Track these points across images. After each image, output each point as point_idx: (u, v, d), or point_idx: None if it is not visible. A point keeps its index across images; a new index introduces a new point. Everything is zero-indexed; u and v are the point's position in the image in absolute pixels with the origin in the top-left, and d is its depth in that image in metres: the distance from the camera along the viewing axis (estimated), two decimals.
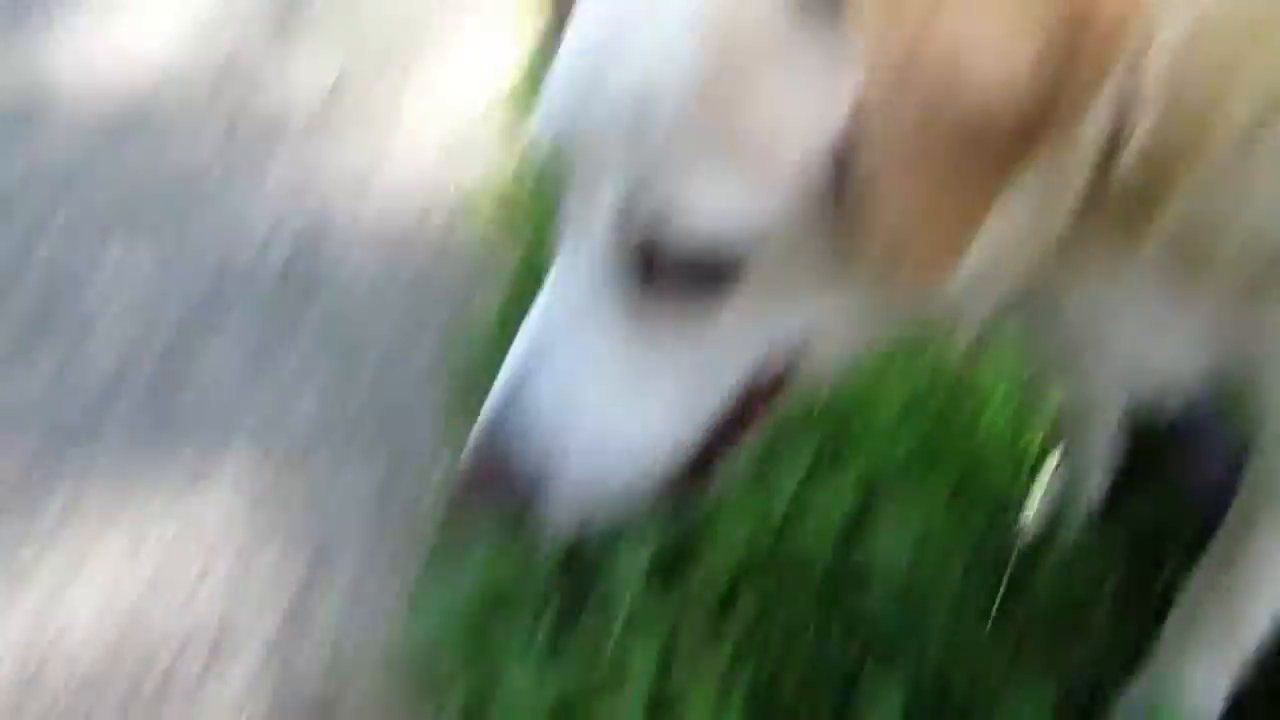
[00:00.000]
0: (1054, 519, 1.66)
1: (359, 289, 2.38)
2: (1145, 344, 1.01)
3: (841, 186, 0.75)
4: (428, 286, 2.38)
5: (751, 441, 0.94)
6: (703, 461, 0.90)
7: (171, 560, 1.83)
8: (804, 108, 0.74)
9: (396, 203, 2.64)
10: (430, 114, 2.95)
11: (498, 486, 0.85)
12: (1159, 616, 1.32)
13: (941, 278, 0.76)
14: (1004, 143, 0.71)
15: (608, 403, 0.84)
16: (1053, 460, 1.72)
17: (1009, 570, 1.57)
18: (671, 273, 0.80)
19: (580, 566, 1.56)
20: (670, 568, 1.55)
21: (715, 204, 0.76)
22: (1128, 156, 0.81)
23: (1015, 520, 1.68)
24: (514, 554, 1.58)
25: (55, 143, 2.86)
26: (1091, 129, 0.79)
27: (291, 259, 2.46)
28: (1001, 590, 1.55)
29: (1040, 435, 1.77)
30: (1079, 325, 1.02)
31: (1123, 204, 0.87)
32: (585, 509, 0.86)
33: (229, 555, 1.83)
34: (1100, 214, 0.87)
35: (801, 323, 0.84)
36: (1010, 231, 0.81)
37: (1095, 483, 1.66)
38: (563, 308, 0.85)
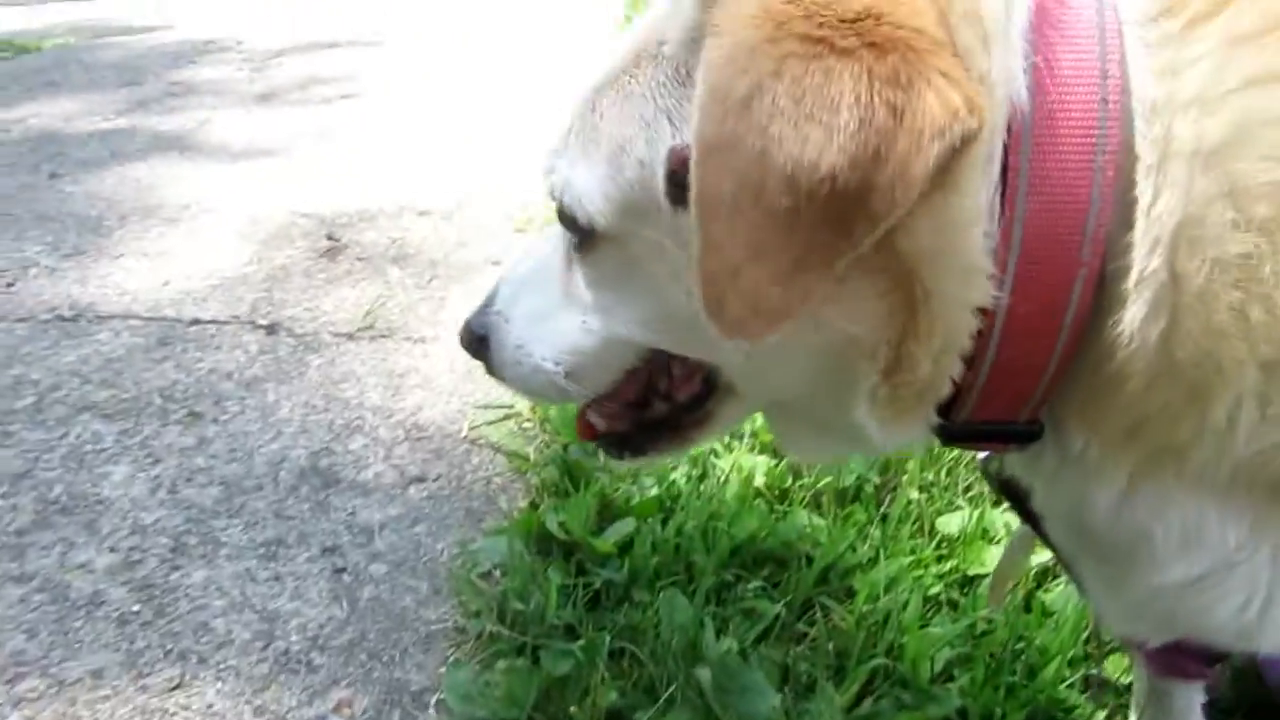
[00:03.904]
0: None
1: (378, 494, 2.26)
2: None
3: (686, 210, 0.85)
4: (448, 497, 2.26)
5: (666, 446, 1.16)
6: (611, 405, 1.15)
7: None
8: (642, 136, 0.92)
9: (426, 412, 2.57)
10: None
11: (470, 345, 1.19)
12: None
13: (754, 334, 0.83)
14: (814, 229, 0.77)
15: (538, 308, 1.12)
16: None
17: None
18: (568, 228, 1.03)
19: None
20: None
21: (579, 184, 0.97)
22: (1121, 339, 0.81)
23: None
24: None
25: (100, 345, 2.87)
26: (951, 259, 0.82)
27: (314, 459, 2.37)
28: None
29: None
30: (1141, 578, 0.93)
31: (1131, 397, 0.83)
32: (516, 371, 1.14)
33: None
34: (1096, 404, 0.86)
35: (665, 318, 0.99)
36: (855, 328, 0.87)
37: None
38: (537, 242, 1.17)
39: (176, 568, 2.05)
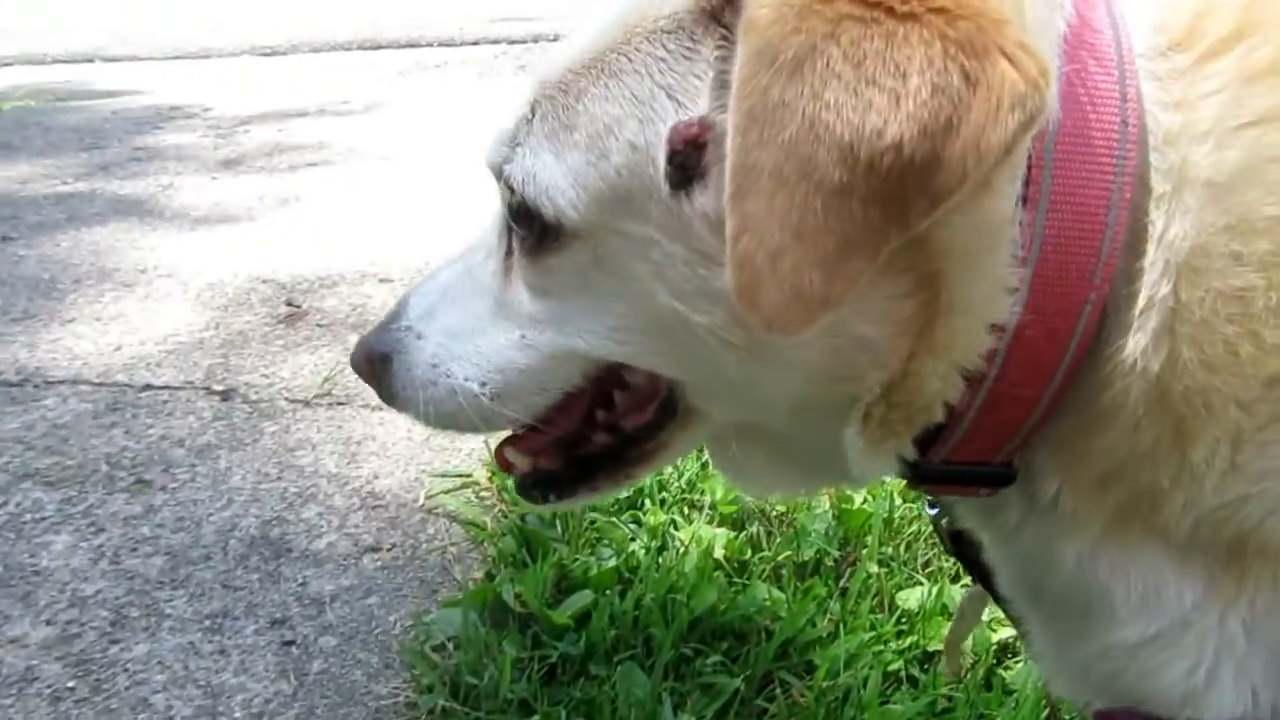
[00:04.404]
0: None
1: (330, 565, 2.21)
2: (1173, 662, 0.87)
3: (689, 196, 0.83)
4: (402, 567, 2.21)
5: (602, 485, 1.07)
6: (536, 439, 1.07)
7: None
8: (634, 115, 0.86)
9: (382, 480, 2.53)
10: None
11: (362, 366, 1.11)
12: None
13: (792, 325, 0.75)
14: (866, 208, 0.71)
15: (461, 323, 1.04)
16: None
17: None
18: (521, 227, 0.95)
19: None
20: None
21: (545, 174, 0.90)
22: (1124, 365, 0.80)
23: None
24: None
25: (46, 411, 2.81)
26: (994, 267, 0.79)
27: (265, 528, 2.31)
28: None
29: None
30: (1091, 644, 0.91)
31: (1122, 449, 0.82)
32: (429, 394, 1.04)
33: None
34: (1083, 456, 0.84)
35: (637, 326, 0.92)
36: (870, 331, 0.82)
37: None
38: (465, 250, 1.09)
39: (116, 641, 1.98)
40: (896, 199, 0.72)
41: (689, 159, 0.83)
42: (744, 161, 0.74)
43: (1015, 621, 1.10)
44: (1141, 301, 0.80)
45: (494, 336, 1.01)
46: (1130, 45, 0.82)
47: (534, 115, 0.93)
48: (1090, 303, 0.80)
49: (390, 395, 1.08)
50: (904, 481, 0.96)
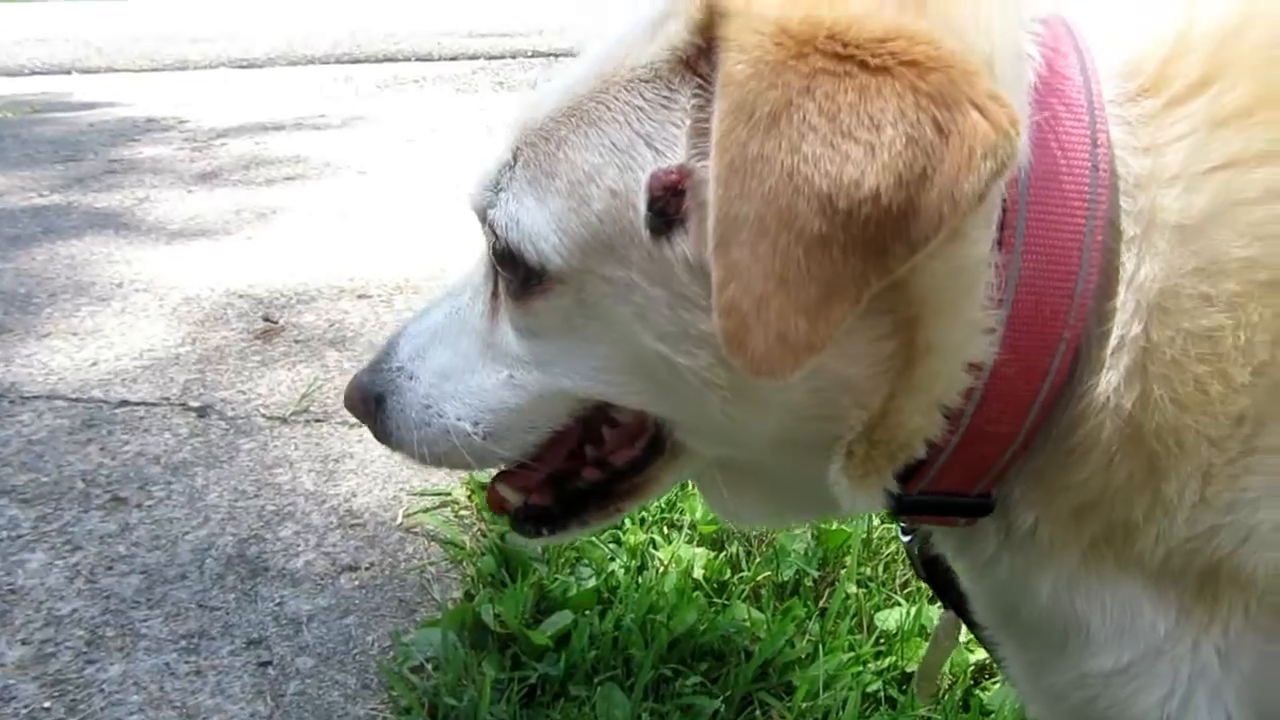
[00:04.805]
0: None
1: (307, 584, 2.20)
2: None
3: (669, 241, 0.85)
4: (380, 587, 2.21)
5: (592, 519, 1.09)
6: (528, 476, 1.08)
7: None
8: (614, 163, 0.87)
9: (360, 498, 2.52)
10: None
11: (357, 405, 1.13)
12: None
13: (779, 370, 0.77)
14: (846, 255, 0.74)
15: (451, 363, 1.05)
16: None
17: None
18: (506, 271, 0.97)
19: None
20: None
21: (528, 220, 0.92)
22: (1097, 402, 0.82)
23: None
24: None
25: (22, 426, 2.78)
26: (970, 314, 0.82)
27: (241, 547, 2.30)
28: None
29: None
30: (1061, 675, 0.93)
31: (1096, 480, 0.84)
32: (424, 434, 1.06)
33: None
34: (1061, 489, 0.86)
35: (622, 367, 0.94)
36: (852, 372, 0.84)
37: None
38: (451, 291, 1.10)
39: (92, 661, 1.96)
40: (876, 246, 0.74)
41: (668, 205, 0.85)
42: (727, 212, 0.76)
43: (989, 647, 1.11)
44: (1113, 341, 0.82)
45: (484, 377, 1.02)
46: (1099, 91, 0.85)
47: (516, 161, 0.95)
48: (1064, 342, 0.82)
49: (384, 435, 1.10)
50: (884, 510, 0.97)
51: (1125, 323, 0.81)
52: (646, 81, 0.88)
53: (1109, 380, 0.82)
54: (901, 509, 0.96)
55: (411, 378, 1.08)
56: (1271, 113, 0.80)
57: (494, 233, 0.96)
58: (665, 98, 0.87)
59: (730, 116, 0.76)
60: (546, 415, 1.01)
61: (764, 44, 0.76)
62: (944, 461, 0.88)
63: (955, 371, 0.84)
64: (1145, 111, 0.83)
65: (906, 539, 1.15)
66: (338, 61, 10.30)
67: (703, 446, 1.00)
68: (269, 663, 1.98)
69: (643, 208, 0.86)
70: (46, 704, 1.85)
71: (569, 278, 0.92)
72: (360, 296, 3.77)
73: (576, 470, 1.08)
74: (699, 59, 0.84)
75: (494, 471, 1.14)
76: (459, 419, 1.03)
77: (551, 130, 0.93)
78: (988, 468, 0.89)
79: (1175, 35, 0.84)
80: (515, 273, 0.96)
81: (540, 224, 0.92)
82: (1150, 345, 0.81)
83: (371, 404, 1.11)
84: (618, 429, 1.03)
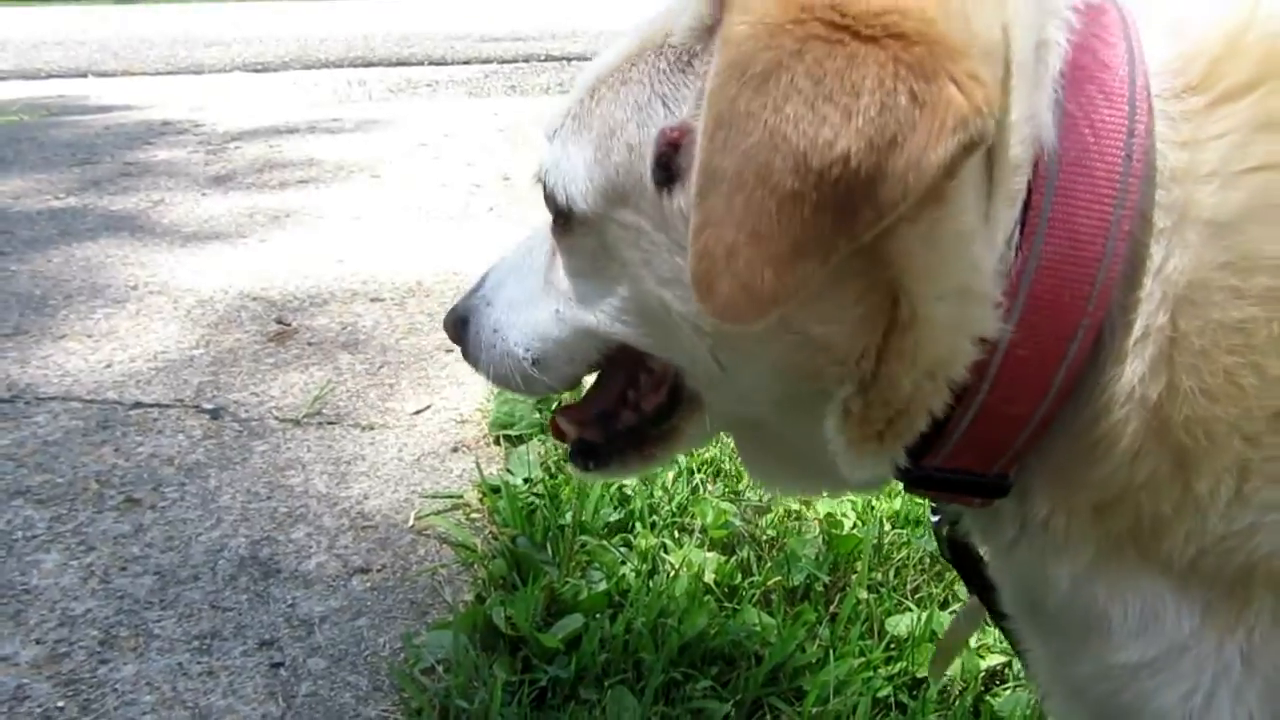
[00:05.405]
0: None
1: (319, 586, 2.21)
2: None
3: (670, 193, 0.90)
4: (392, 589, 2.21)
5: (631, 461, 1.16)
6: (582, 412, 1.19)
7: None
8: (634, 120, 0.94)
9: (372, 501, 2.53)
10: (416, 422, 2.91)
11: (450, 327, 1.26)
12: None
13: (741, 317, 0.81)
14: (817, 215, 0.76)
15: (518, 295, 1.16)
16: None
17: None
18: (550, 211, 1.06)
19: None
20: None
21: (566, 165, 1.01)
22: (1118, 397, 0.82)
23: None
24: None
25: (37, 428, 2.80)
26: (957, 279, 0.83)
27: (254, 549, 2.31)
28: None
29: None
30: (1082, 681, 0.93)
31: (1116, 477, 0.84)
32: (489, 354, 1.18)
33: None
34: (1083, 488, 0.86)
35: (635, 310, 1.01)
36: (822, 331, 0.87)
37: None
38: (534, 232, 1.19)
39: (105, 661, 1.97)
40: (845, 208, 0.76)
41: (671, 160, 0.91)
42: (709, 163, 0.80)
43: (1011, 638, 1.11)
44: (1138, 331, 0.82)
45: (539, 309, 1.13)
46: (1145, 84, 0.85)
47: (568, 116, 1.04)
48: (1083, 328, 0.83)
49: (467, 355, 1.23)
50: (900, 484, 0.99)
51: (1150, 313, 0.81)
52: (673, 47, 0.94)
53: (1134, 370, 0.82)
54: (913, 482, 0.97)
55: (489, 304, 1.20)
56: None
57: (538, 174, 1.05)
58: (685, 62, 0.93)
59: (724, 73, 0.79)
60: (581, 351, 1.10)
61: (767, 6, 0.79)
62: (959, 438, 0.90)
63: (954, 343, 0.85)
64: (1190, 108, 0.84)
65: (935, 519, 1.15)
66: (351, 65, 10.35)
67: (713, 399, 1.05)
68: (281, 664, 1.98)
69: (650, 161, 0.92)
70: (60, 703, 1.86)
71: (592, 222, 1.00)
72: (373, 299, 3.79)
73: (618, 412, 1.16)
74: (717, 27, 0.88)
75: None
76: (515, 345, 1.14)
77: (596, 87, 1.01)
78: (1002, 450, 0.89)
79: (1231, 34, 0.84)
80: (556, 214, 1.05)
81: (572, 170, 1.00)
82: (1177, 335, 0.81)
83: (459, 326, 1.24)
84: (650, 375, 1.10)
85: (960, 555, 1.13)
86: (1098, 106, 0.84)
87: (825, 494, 2.19)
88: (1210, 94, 0.83)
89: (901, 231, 0.80)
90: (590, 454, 1.20)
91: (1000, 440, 0.89)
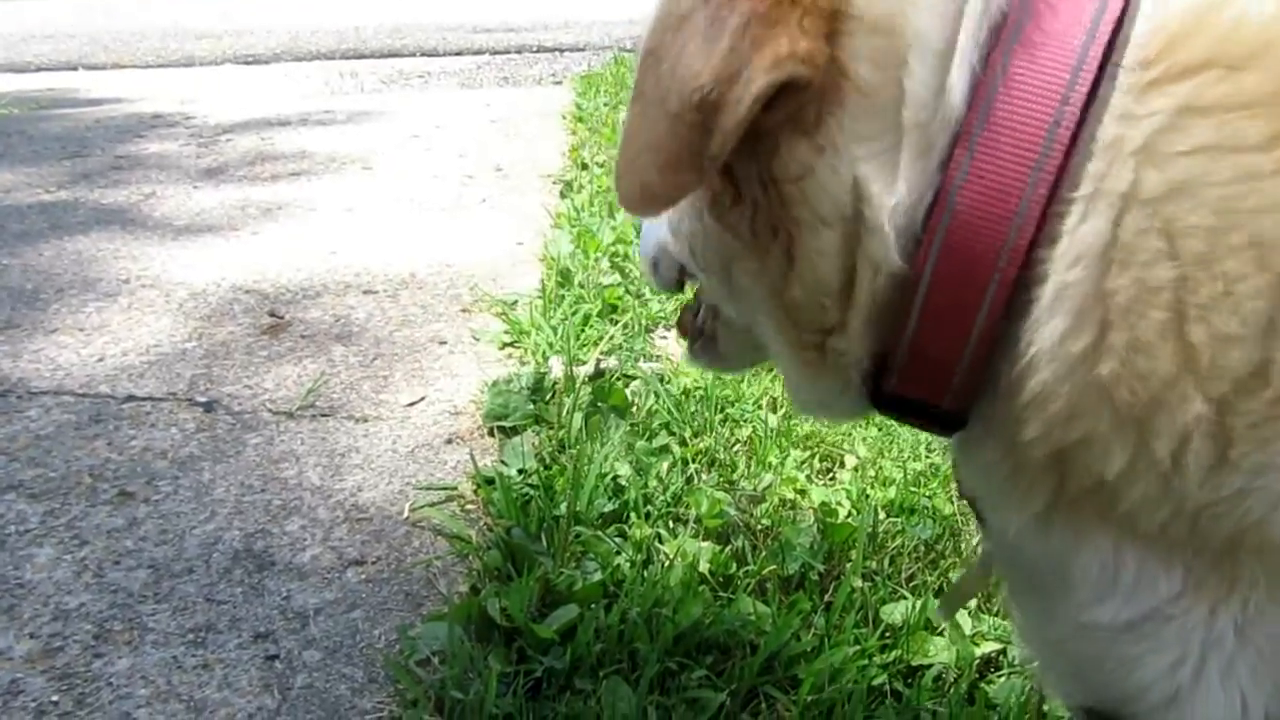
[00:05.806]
0: None
1: (314, 578, 2.20)
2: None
3: None
4: (386, 580, 2.21)
5: (709, 358, 1.34)
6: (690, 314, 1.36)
7: None
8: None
9: (366, 493, 2.52)
10: (410, 414, 2.91)
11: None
12: None
13: (637, 210, 0.98)
14: (690, 133, 0.91)
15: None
16: None
17: None
18: None
19: None
20: None
21: None
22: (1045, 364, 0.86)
23: None
24: None
25: (29, 422, 2.79)
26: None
27: (248, 541, 2.30)
28: None
29: None
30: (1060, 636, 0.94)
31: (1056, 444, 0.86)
32: (641, 259, 1.33)
33: None
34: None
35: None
36: (698, 228, 1.06)
37: None
38: None
39: (99, 655, 1.97)
40: (705, 128, 0.91)
41: None
42: (639, 83, 0.96)
43: (1010, 602, 1.12)
44: (1053, 286, 0.85)
45: (660, 223, 1.24)
46: (1098, 55, 0.86)
47: None
48: (995, 282, 0.88)
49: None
50: (874, 406, 1.07)
51: (1063, 270, 0.84)
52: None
53: (1054, 326, 0.84)
54: (881, 406, 1.05)
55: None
56: (1264, 108, 0.79)
57: None
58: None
59: (657, 16, 0.96)
60: (667, 260, 1.23)
61: None
62: (900, 369, 0.98)
63: (842, 266, 0.95)
64: (1136, 81, 0.84)
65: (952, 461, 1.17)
66: (343, 57, 10.31)
67: (723, 310, 1.21)
68: (276, 656, 1.98)
69: None
70: (54, 697, 1.86)
71: None
72: (366, 291, 3.78)
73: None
74: None
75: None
76: (645, 251, 1.30)
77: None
78: (943, 387, 0.96)
79: (1201, 10, 0.83)
80: None
81: None
82: (1100, 292, 0.82)
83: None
84: None
85: (975, 503, 1.14)
86: (1038, 73, 0.87)
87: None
88: (1157, 69, 0.84)
89: (781, 163, 0.94)
90: (692, 344, 1.37)
91: (937, 379, 0.95)
